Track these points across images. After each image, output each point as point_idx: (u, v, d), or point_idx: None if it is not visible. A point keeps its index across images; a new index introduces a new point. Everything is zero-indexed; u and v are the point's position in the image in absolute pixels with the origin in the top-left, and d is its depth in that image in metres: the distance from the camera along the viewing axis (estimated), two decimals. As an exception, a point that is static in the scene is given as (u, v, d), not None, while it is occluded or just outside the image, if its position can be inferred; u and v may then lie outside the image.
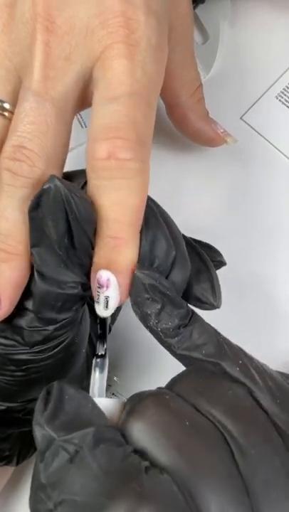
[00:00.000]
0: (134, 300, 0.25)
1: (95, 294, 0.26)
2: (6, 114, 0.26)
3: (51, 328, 0.26)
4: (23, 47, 0.26)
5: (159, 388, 0.24)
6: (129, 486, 0.19)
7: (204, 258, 0.29)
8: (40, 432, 0.21)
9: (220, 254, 0.30)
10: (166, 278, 0.27)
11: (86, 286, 0.26)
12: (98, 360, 0.27)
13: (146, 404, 0.22)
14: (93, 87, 0.26)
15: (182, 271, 0.27)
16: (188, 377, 0.23)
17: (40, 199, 0.23)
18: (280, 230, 0.39)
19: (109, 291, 0.25)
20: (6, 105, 0.26)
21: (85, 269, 0.26)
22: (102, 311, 0.26)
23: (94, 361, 0.27)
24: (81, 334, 0.29)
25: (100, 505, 0.18)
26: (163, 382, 0.36)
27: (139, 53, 0.25)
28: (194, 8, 0.41)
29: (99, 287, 0.25)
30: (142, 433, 0.21)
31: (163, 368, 0.37)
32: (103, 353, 0.27)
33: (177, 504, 0.18)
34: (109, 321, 0.28)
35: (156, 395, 0.22)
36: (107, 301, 0.26)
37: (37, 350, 0.26)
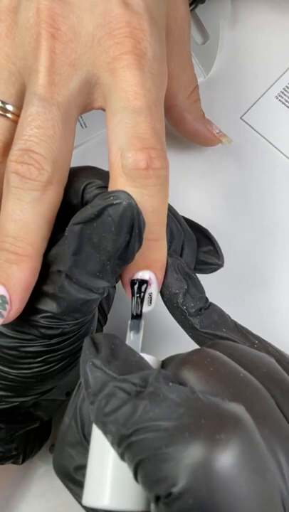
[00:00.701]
0: (165, 282, 0.28)
1: (131, 293, 0.27)
2: (10, 115, 0.27)
3: (71, 324, 0.27)
4: (27, 51, 0.26)
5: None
6: (220, 408, 0.19)
7: (199, 227, 0.31)
8: (95, 373, 0.20)
9: (214, 244, 0.31)
10: (180, 255, 0.29)
11: (110, 288, 0.27)
12: (133, 320, 0.27)
13: (199, 355, 0.22)
14: (102, 95, 0.27)
15: (191, 249, 0.30)
16: (223, 345, 0.24)
17: (103, 212, 0.24)
18: (280, 229, 0.40)
19: (152, 288, 0.27)
20: (9, 107, 0.27)
21: (117, 274, 0.26)
22: (145, 308, 0.27)
23: (129, 322, 0.27)
24: (94, 322, 0.30)
25: (194, 424, 0.18)
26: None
27: (146, 64, 0.26)
28: (194, 8, 0.41)
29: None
30: (200, 380, 0.21)
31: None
32: (139, 313, 0.27)
33: (257, 431, 0.19)
34: (144, 284, 0.28)
35: (206, 349, 0.23)
36: (151, 298, 0.27)
37: (55, 341, 0.27)
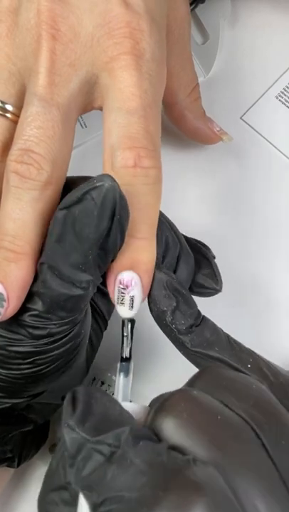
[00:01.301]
0: (152, 297, 0.27)
1: (114, 295, 0.27)
2: (9, 115, 0.27)
3: (58, 323, 0.26)
4: (28, 52, 0.26)
5: (183, 387, 0.23)
6: (182, 476, 0.18)
7: (199, 247, 0.30)
8: (70, 435, 0.20)
9: (213, 264, 0.30)
10: (175, 270, 0.28)
11: (96, 285, 0.26)
12: (123, 363, 0.27)
13: (174, 400, 0.21)
14: (101, 95, 0.27)
15: (187, 264, 0.29)
16: (210, 374, 0.23)
17: (86, 196, 0.24)
18: (280, 230, 0.40)
19: (135, 291, 0.26)
20: (9, 107, 0.27)
21: (102, 270, 0.26)
22: (126, 312, 0.27)
23: (118, 365, 0.27)
24: (86, 325, 0.29)
25: (153, 497, 0.17)
26: (160, 380, 0.37)
27: (144, 64, 0.26)
28: (194, 8, 0.41)
29: (123, 288, 0.26)
30: (174, 430, 0.20)
31: (160, 366, 0.37)
32: (128, 356, 0.27)
33: (227, 496, 0.18)
34: (133, 324, 0.28)
35: (183, 391, 0.22)
36: (132, 301, 0.26)
37: (43, 342, 0.26)
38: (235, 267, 0.38)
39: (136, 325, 0.28)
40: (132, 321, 0.27)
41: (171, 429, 0.20)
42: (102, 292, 0.32)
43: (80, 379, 0.33)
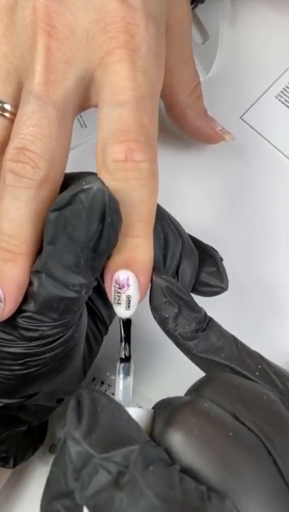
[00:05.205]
0: (152, 304, 0.26)
1: (111, 295, 0.26)
2: (7, 115, 0.27)
3: (50, 326, 0.26)
4: (24, 50, 0.26)
5: (190, 394, 0.23)
6: None
7: (204, 245, 0.30)
8: (76, 448, 0.19)
9: (221, 268, 0.30)
10: (178, 269, 0.28)
11: (90, 288, 0.26)
12: (122, 364, 0.26)
13: (185, 414, 0.21)
14: (96, 91, 0.27)
15: (190, 264, 0.28)
16: (218, 382, 0.22)
17: (75, 198, 0.23)
18: (279, 229, 0.40)
19: (131, 291, 0.26)
20: (7, 106, 0.27)
21: (96, 272, 0.26)
22: (123, 312, 0.26)
23: (118, 366, 0.26)
24: (80, 329, 0.29)
25: None
26: (161, 380, 0.37)
27: (139, 58, 0.26)
28: (194, 8, 0.41)
29: (119, 288, 0.26)
30: (185, 447, 0.20)
31: (159, 365, 0.37)
32: (128, 355, 0.26)
33: None
34: (129, 323, 0.28)
35: (193, 402, 0.21)
36: (129, 301, 0.26)
37: (35, 344, 0.26)
38: (235, 266, 0.38)
39: (136, 323, 0.27)
40: (128, 320, 0.27)
41: (182, 447, 0.20)
42: (104, 297, 0.32)
43: (77, 382, 0.33)
